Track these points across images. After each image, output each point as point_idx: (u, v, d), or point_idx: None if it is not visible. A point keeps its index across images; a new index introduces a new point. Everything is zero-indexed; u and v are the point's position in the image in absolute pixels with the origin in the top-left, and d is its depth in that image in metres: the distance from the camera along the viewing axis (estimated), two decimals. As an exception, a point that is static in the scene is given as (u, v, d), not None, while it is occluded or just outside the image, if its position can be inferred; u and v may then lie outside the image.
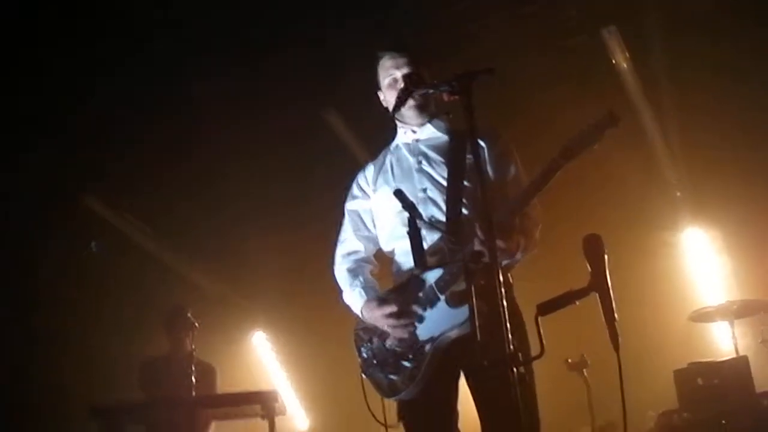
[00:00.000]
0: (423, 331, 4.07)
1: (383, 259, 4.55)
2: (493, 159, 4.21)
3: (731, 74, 7.61)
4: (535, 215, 4.15)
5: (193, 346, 7.03)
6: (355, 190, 4.62)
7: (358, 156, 8.42)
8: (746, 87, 7.65)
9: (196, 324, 7.08)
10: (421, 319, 4.09)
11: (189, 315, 7.15)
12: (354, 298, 4.42)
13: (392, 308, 4.14)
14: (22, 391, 7.98)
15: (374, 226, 4.53)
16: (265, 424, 6.74)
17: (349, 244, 4.59)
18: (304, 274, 9.28)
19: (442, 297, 4.00)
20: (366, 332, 4.33)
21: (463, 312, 3.86)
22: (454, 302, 3.94)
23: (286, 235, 9.14)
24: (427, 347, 4.04)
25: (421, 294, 4.09)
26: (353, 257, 4.56)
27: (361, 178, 4.61)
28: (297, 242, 9.11)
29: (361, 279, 4.45)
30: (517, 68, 7.30)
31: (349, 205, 4.62)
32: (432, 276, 4.04)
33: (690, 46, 7.68)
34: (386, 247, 4.45)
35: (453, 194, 4.15)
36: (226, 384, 8.01)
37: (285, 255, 9.28)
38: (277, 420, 6.76)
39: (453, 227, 4.04)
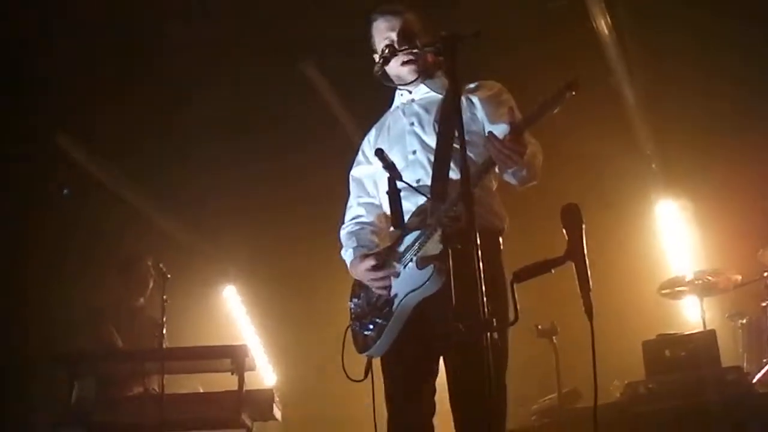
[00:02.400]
0: (394, 290, 4.14)
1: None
2: (485, 105, 4.22)
3: (710, 47, 7.62)
4: (537, 153, 4.14)
5: (165, 297, 6.99)
6: (359, 156, 4.68)
7: (336, 111, 8.40)
8: (725, 60, 7.66)
9: (168, 275, 7.04)
10: (396, 279, 4.14)
11: (161, 265, 7.11)
12: (347, 255, 4.50)
13: (372, 262, 4.22)
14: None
15: (377, 190, 4.57)
16: (232, 378, 6.78)
17: (353, 210, 4.67)
18: (278, 230, 9.29)
19: (414, 259, 4.04)
20: (360, 287, 4.40)
21: (425, 273, 3.93)
22: (421, 264, 3.98)
23: (260, 188, 9.12)
24: (394, 306, 4.10)
25: (399, 255, 4.14)
26: (356, 220, 4.63)
27: (365, 144, 4.67)
28: (271, 197, 9.10)
29: (355, 239, 4.52)
30: (498, 28, 7.27)
31: (353, 172, 4.69)
32: (411, 238, 4.08)
33: (671, 18, 7.67)
34: (387, 210, 4.47)
35: (441, 156, 4.16)
36: (195, 337, 8.00)
37: (259, 209, 9.27)
38: (246, 375, 6.79)
39: (437, 190, 4.05)
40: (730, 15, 7.35)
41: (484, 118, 4.20)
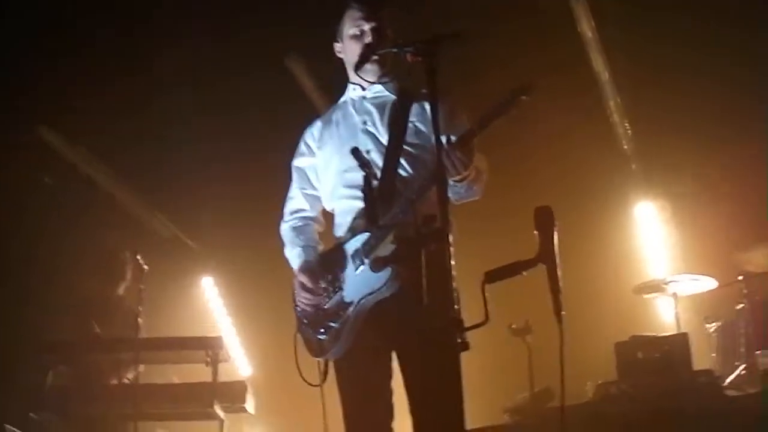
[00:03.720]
0: (348, 294, 4.10)
1: (328, 217, 4.58)
2: (442, 118, 3.91)
3: (691, 49, 7.64)
4: (483, 166, 4.10)
5: (142, 287, 6.99)
6: (302, 146, 4.61)
7: (316, 102, 8.38)
8: (705, 62, 7.68)
9: (145, 266, 7.03)
10: (347, 282, 4.12)
11: (138, 257, 7.09)
12: (293, 257, 4.45)
13: (305, 279, 4.24)
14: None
15: (319, 182, 4.53)
16: (208, 369, 6.80)
17: (295, 202, 4.60)
18: (257, 222, 9.26)
19: (367, 261, 4.02)
20: None
21: (383, 276, 3.90)
22: (376, 267, 3.94)
23: (239, 180, 9.10)
24: (350, 309, 4.07)
25: (349, 258, 4.12)
26: (298, 215, 4.58)
27: (308, 135, 4.60)
28: (251, 189, 9.08)
29: (302, 238, 4.48)
30: (481, 27, 7.28)
31: (296, 162, 4.62)
32: (360, 240, 4.07)
33: (653, 21, 7.70)
34: (327, 206, 4.49)
35: (389, 157, 4.15)
36: (172, 328, 7.99)
37: (239, 201, 9.25)
38: (220, 366, 6.80)
39: (384, 189, 4.04)
40: (709, 18, 7.39)
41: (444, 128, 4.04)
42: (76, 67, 7.68)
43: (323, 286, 4.21)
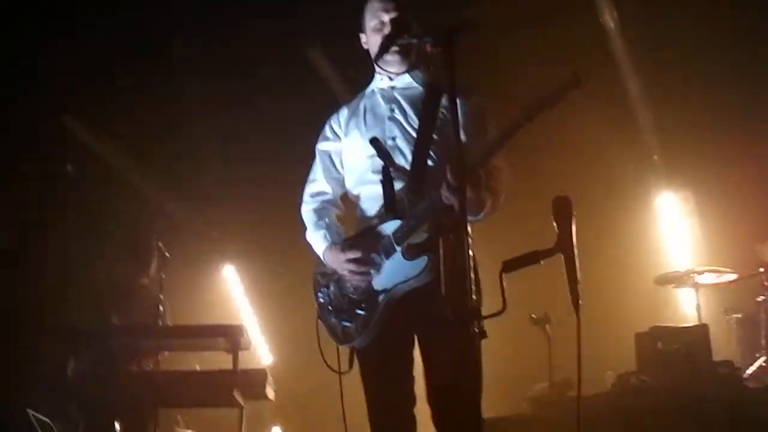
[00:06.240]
0: (378, 282, 4.08)
1: (348, 203, 4.56)
2: (463, 118, 3.78)
3: (714, 37, 7.63)
4: (503, 180, 4.10)
5: (163, 275, 7.03)
6: (327, 131, 4.56)
7: (335, 90, 8.40)
8: (729, 51, 7.67)
9: (167, 254, 7.06)
10: (378, 269, 4.09)
11: (160, 245, 7.13)
12: (317, 238, 4.40)
13: (356, 254, 4.13)
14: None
15: (343, 168, 4.50)
16: (227, 356, 6.83)
17: (317, 185, 4.55)
18: (278, 209, 9.28)
19: (399, 249, 3.99)
20: (324, 277, 4.34)
21: (417, 265, 3.89)
22: (410, 255, 3.93)
23: (261, 167, 9.12)
24: (381, 297, 4.05)
25: (379, 244, 4.09)
26: (320, 198, 4.52)
27: (333, 121, 4.56)
28: (273, 176, 9.10)
29: (327, 221, 4.42)
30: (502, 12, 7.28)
31: (321, 146, 4.57)
32: (390, 227, 4.03)
33: (676, 8, 7.68)
34: (353, 191, 4.41)
35: (420, 145, 4.10)
36: (194, 316, 8.02)
37: (260, 188, 9.26)
38: (241, 354, 6.83)
39: (414, 178, 4.01)
40: (735, 6, 7.36)
41: (463, 127, 3.67)
42: (99, 57, 7.72)
43: (370, 259, 4.14)
